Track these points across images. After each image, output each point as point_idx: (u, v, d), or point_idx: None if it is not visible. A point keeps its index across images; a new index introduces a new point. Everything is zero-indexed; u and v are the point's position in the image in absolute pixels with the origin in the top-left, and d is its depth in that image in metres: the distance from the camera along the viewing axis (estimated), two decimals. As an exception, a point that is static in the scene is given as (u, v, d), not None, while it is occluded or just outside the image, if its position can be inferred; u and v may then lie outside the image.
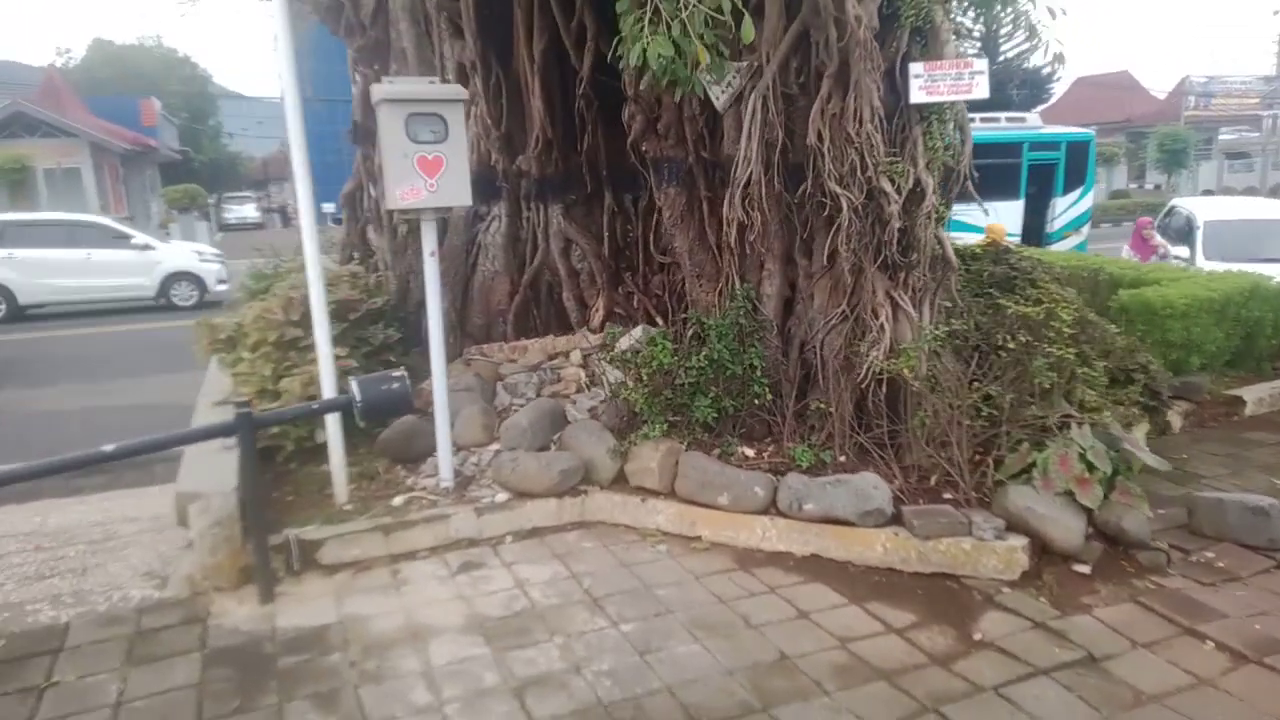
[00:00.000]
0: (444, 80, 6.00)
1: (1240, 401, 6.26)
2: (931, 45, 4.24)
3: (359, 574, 4.06)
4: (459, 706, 3.03)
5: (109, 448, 3.41)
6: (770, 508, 4.28)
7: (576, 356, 5.85)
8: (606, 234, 6.48)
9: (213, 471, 4.12)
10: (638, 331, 5.78)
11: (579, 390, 5.47)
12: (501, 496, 4.56)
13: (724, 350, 4.61)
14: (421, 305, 6.67)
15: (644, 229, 6.40)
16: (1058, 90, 38.91)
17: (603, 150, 6.31)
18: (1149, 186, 40.70)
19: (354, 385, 3.96)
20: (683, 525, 4.40)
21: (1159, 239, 10.21)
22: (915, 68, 4.17)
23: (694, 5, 2.94)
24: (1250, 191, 34.08)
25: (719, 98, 4.78)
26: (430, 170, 4.22)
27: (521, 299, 6.62)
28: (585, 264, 6.47)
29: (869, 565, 4.04)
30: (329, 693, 3.12)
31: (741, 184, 4.50)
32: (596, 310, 6.36)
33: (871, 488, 4.14)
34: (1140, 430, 5.06)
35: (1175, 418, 5.90)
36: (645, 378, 4.66)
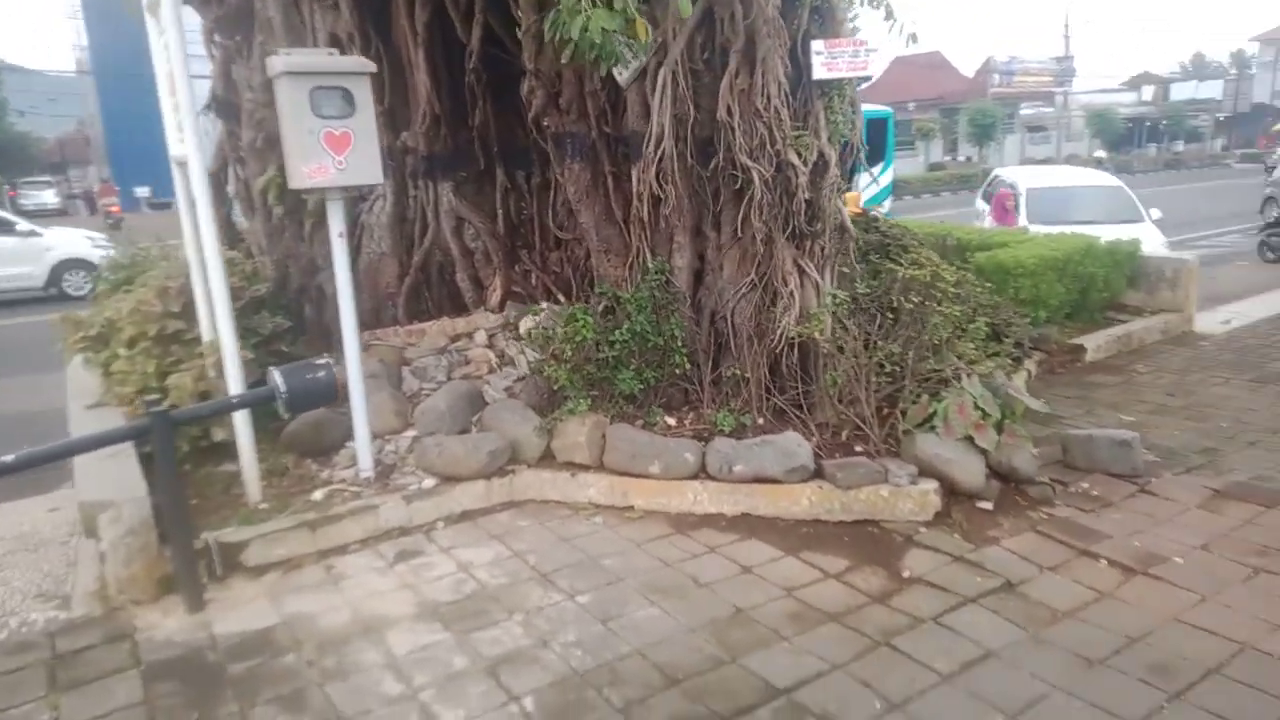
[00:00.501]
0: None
1: (1082, 349, 7.01)
2: (829, 24, 4.46)
3: (290, 573, 3.88)
4: (434, 693, 2.99)
5: (9, 458, 3.09)
6: (700, 473, 4.43)
7: (481, 337, 5.76)
8: (500, 211, 6.37)
9: (117, 478, 3.78)
10: (543, 309, 5.77)
11: (490, 371, 5.40)
12: (429, 482, 4.46)
13: (644, 323, 4.69)
14: (302, 291, 6.37)
15: (539, 206, 6.36)
16: (876, 70, 41.41)
17: (493, 126, 6.19)
18: (961, 159, 44.15)
19: (276, 376, 3.75)
20: (614, 496, 4.47)
21: (1010, 206, 11.18)
22: (816, 45, 4.37)
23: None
24: (1047, 161, 37.71)
25: (622, 74, 4.82)
26: (338, 147, 4.03)
27: (412, 281, 6.42)
28: (479, 243, 6.35)
29: (796, 519, 4.27)
30: (293, 694, 2.99)
31: (655, 159, 4.57)
32: (494, 290, 6.27)
33: (795, 445, 4.37)
34: (1019, 378, 5.59)
35: (1031, 366, 6.54)
36: (569, 353, 4.68)
